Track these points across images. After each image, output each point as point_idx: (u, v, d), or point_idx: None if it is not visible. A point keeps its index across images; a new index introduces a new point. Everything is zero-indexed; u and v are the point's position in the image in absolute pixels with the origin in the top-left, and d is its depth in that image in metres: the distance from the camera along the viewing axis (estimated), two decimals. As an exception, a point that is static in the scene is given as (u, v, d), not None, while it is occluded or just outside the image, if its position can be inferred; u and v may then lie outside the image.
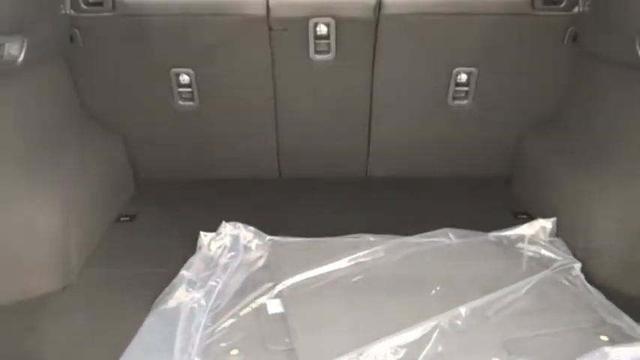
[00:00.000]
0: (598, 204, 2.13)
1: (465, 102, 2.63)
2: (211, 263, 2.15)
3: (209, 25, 2.41)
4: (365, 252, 2.16)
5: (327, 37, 2.45)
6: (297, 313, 1.86)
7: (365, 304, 1.90)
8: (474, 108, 2.64)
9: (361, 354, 1.62)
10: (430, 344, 1.66)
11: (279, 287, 1.99)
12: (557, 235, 2.31)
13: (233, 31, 2.42)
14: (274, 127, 2.70)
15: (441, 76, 2.57)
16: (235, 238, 2.27)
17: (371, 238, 2.30)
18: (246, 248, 2.25)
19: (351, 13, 2.40)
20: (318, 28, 2.44)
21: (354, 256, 2.14)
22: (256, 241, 2.29)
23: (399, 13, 2.39)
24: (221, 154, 2.79)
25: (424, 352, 1.63)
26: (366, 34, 2.44)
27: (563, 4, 2.39)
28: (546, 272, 2.05)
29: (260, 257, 2.21)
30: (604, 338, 1.72)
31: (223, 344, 1.75)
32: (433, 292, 1.95)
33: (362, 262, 2.12)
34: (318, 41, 2.47)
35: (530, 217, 2.51)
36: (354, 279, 2.04)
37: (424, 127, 2.73)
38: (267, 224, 2.37)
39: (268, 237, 2.32)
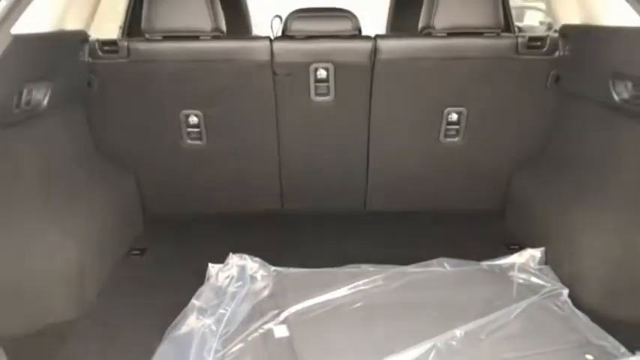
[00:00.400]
0: (582, 234, 2.28)
1: (456, 139, 2.80)
2: (220, 292, 2.28)
3: (217, 70, 2.60)
4: (364, 281, 2.29)
5: (326, 80, 2.64)
6: (303, 336, 1.98)
7: (366, 328, 2.02)
8: (465, 145, 2.81)
9: (363, 373, 1.74)
10: (427, 364, 1.79)
11: (285, 314, 2.11)
12: (545, 264, 2.46)
13: (239, 75, 2.60)
14: (277, 164, 2.86)
15: (433, 115, 2.74)
16: (242, 269, 2.40)
17: (370, 267, 2.43)
18: (252, 278, 2.37)
19: (348, 59, 2.59)
20: (318, 73, 2.63)
21: (354, 284, 2.27)
22: (261, 271, 2.42)
23: (393, 58, 2.58)
24: (227, 190, 2.95)
25: (421, 372, 1.76)
26: (363, 77, 2.63)
27: (545, 49, 2.58)
28: (535, 297, 2.18)
29: (265, 286, 2.33)
30: (589, 357, 1.85)
31: (234, 368, 1.87)
32: (429, 316, 2.07)
33: (362, 290, 2.25)
34: (318, 84, 2.65)
35: (522, 248, 2.65)
36: (355, 305, 2.17)
37: (419, 163, 2.90)
38: (271, 255, 2.50)
39: (273, 268, 2.45)
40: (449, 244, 2.75)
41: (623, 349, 1.90)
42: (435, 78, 2.65)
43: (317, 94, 2.67)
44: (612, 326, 2.04)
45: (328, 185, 2.95)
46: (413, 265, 2.43)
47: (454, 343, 1.89)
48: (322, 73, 2.63)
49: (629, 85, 2.04)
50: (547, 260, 2.47)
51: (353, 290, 2.25)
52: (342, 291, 2.24)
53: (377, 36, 2.58)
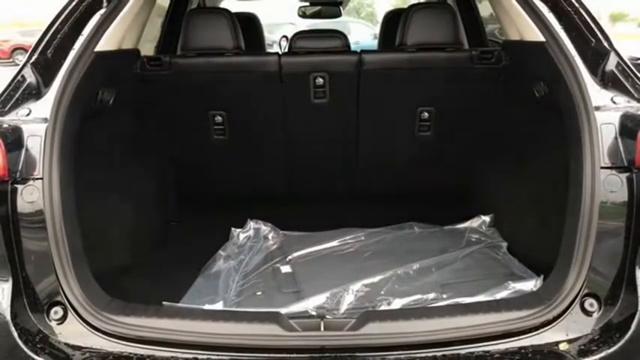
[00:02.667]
0: (516, 204, 2.98)
1: (428, 133, 3.51)
2: (240, 247, 3.01)
3: (237, 79, 3.33)
4: (350, 236, 3.01)
5: (323, 86, 3.37)
6: (303, 271, 2.70)
7: (349, 265, 2.73)
8: (435, 138, 3.51)
9: (344, 289, 2.44)
10: (389, 284, 2.50)
11: (290, 257, 2.83)
12: (493, 226, 3.16)
13: (255, 83, 3.34)
14: (285, 154, 3.59)
15: (408, 113, 3.45)
16: (257, 231, 3.13)
17: (355, 230, 3.15)
18: (265, 238, 3.11)
19: (340, 69, 3.32)
20: (316, 80, 3.36)
21: (343, 239, 3.00)
22: (272, 233, 3.14)
23: (375, 68, 3.30)
24: (245, 175, 3.67)
25: (385, 288, 2.47)
26: (352, 84, 3.35)
27: (493, 60, 3.29)
28: (480, 246, 2.88)
29: (275, 243, 3.06)
30: (510, 281, 2.54)
31: (251, 290, 2.59)
32: (396, 258, 2.77)
33: (348, 243, 2.98)
34: (316, 90, 3.38)
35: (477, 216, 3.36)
36: (343, 252, 2.89)
37: (398, 152, 3.60)
38: (280, 225, 3.22)
39: (281, 231, 3.17)
40: (419, 217, 3.45)
41: (537, 277, 2.58)
42: (409, 84, 3.36)
43: (315, 98, 3.39)
44: (533, 265, 2.72)
45: (325, 171, 3.66)
46: (388, 227, 3.14)
47: (410, 272, 2.60)
48: (320, 81, 3.36)
49: (542, 84, 2.75)
50: (495, 224, 3.17)
51: (342, 243, 2.98)
52: (334, 243, 2.97)
53: (362, 51, 3.31)
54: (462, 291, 2.45)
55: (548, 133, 2.86)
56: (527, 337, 2.07)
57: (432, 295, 2.41)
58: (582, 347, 2.05)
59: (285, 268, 2.76)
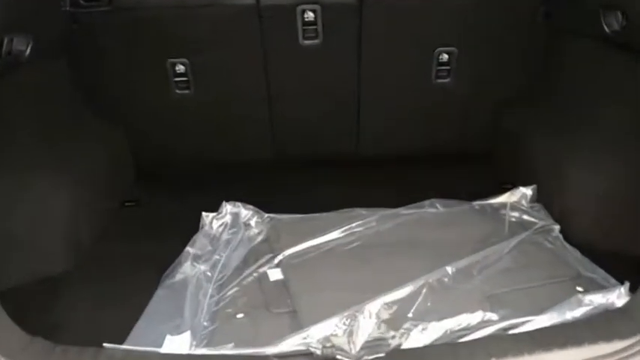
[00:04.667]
0: (571, 170, 2.28)
1: (447, 80, 2.77)
2: (214, 240, 2.29)
3: (202, 17, 2.54)
4: (357, 223, 2.31)
5: (314, 23, 2.59)
6: (297, 278, 2.01)
7: (359, 267, 2.05)
8: (456, 85, 2.78)
9: (358, 311, 1.76)
10: (420, 299, 1.81)
11: (279, 257, 2.13)
12: (537, 201, 2.47)
13: (225, 20, 2.55)
14: (268, 111, 2.83)
15: (423, 56, 2.70)
16: (235, 216, 2.40)
17: (362, 211, 2.44)
18: (246, 225, 2.39)
19: (336, 0, 2.53)
20: (305, 15, 2.57)
21: (347, 227, 2.29)
22: (255, 218, 2.42)
23: (381, -3, 2.53)
24: (218, 139, 2.93)
25: (414, 307, 1.78)
26: (351, 19, 2.58)
27: (537, -19, 2.54)
28: (527, 234, 2.20)
29: (259, 232, 2.35)
30: (579, 289, 1.87)
31: (229, 310, 1.90)
32: (421, 255, 2.09)
33: (355, 232, 2.27)
34: (306, 27, 2.60)
35: (514, 187, 2.67)
36: (348, 247, 2.19)
37: (410, 105, 2.87)
38: (264, 203, 2.50)
39: (266, 215, 2.46)
40: (441, 185, 2.75)
41: (612, 280, 1.93)
42: (425, 18, 2.60)
43: (305, 38, 2.62)
44: (601, 259, 2.06)
45: (319, 130, 2.93)
46: (405, 207, 2.44)
47: (446, 279, 1.91)
48: (310, 16, 2.58)
49: (619, 15, 2.00)
50: (538, 198, 2.48)
51: (346, 232, 2.27)
52: (336, 233, 2.26)
53: None
54: (518, 306, 1.78)
55: (624, 79, 2.15)
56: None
57: (479, 316, 1.74)
58: None
59: (275, 274, 2.06)
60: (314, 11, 2.56)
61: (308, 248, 2.18)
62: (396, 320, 1.74)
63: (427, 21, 2.60)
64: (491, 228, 2.28)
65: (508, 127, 2.83)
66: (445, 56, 2.72)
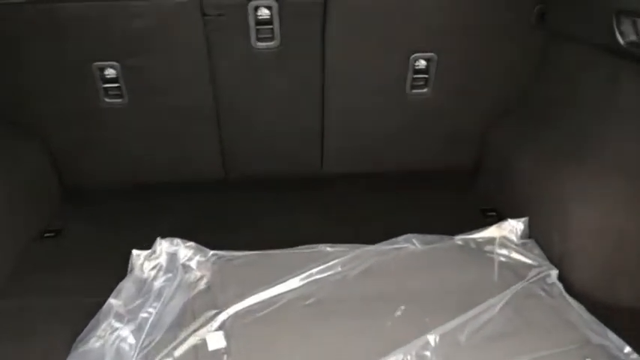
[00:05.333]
0: (575, 203, 1.92)
1: (424, 90, 2.39)
2: (144, 288, 1.87)
3: (133, 11, 2.10)
4: (320, 267, 1.92)
5: (269, 22, 2.18)
6: (243, 348, 1.61)
7: (320, 332, 1.66)
8: (435, 97, 2.40)
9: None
10: (397, 383, 1.44)
11: (223, 316, 1.73)
12: (529, 237, 2.11)
13: (161, 17, 2.12)
14: (216, 123, 2.41)
15: (398, 62, 2.32)
16: (172, 257, 1.98)
17: (327, 247, 2.05)
18: (186, 267, 1.97)
19: None
20: (259, 12, 2.16)
21: (307, 273, 1.89)
22: (198, 257, 2.01)
23: (351, -8, 2.13)
24: (157, 156, 2.49)
25: (391, 395, 1.41)
26: (314, 17, 2.17)
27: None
28: (522, 284, 1.83)
29: (201, 277, 1.94)
30: (591, 361, 1.53)
31: (155, 393, 1.49)
32: (398, 312, 1.72)
33: (316, 280, 1.88)
34: (260, 27, 2.19)
35: (499, 215, 2.32)
36: (308, 301, 1.79)
37: (381, 118, 2.48)
38: (211, 234, 2.11)
39: (212, 252, 2.04)
40: (417, 210, 2.40)
41: (627, 349, 1.58)
42: (400, 16, 2.20)
43: (259, 39, 2.21)
44: (611, 315, 1.72)
45: (277, 147, 2.52)
46: (377, 245, 2.05)
47: (428, 353, 1.54)
48: (264, 13, 2.16)
49: (638, 23, 1.64)
50: (530, 233, 2.12)
51: (306, 280, 1.88)
52: (294, 282, 1.87)
53: None
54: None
55: (632, 99, 1.80)
56: None
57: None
58: None
59: (215, 340, 1.65)
60: (269, 7, 2.14)
61: (258, 304, 1.77)
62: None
63: (403, 20, 2.21)
64: (478, 273, 1.92)
65: (496, 146, 2.47)
66: (422, 63, 2.33)
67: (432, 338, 1.57)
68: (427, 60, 2.32)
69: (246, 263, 2.01)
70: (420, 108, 2.44)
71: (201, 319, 1.72)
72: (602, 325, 1.67)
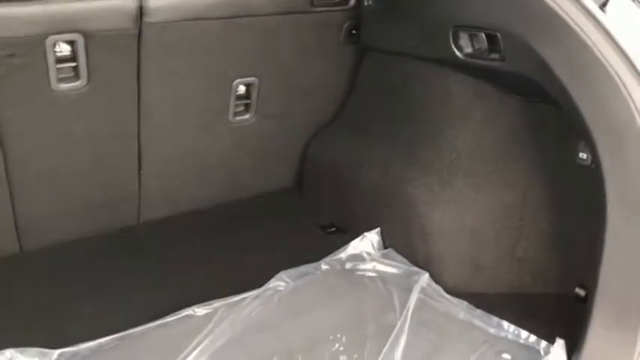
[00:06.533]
0: (429, 207, 2.02)
1: (247, 116, 2.27)
2: None
3: None
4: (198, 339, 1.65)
5: (73, 58, 1.80)
6: None
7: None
8: (257, 121, 2.30)
9: None
10: None
11: None
12: (385, 247, 2.17)
13: None
14: (7, 188, 1.92)
15: (219, 90, 2.15)
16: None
17: (197, 310, 1.79)
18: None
19: (103, 25, 1.79)
20: (57, 48, 1.77)
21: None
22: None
23: (167, 20, 1.88)
24: None
25: None
26: (127, 50, 1.87)
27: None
28: (406, 295, 1.85)
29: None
30: (506, 356, 1.62)
31: None
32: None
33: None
34: (60, 65, 1.79)
35: (339, 229, 2.33)
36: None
37: (204, 151, 2.28)
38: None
39: (58, 351, 1.61)
40: (258, 241, 2.26)
41: (524, 333, 1.72)
42: (221, 44, 2.04)
43: (60, 81, 1.81)
44: (487, 304, 1.86)
45: (85, 203, 2.11)
46: (247, 294, 1.86)
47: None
48: (64, 49, 1.78)
49: (482, 36, 1.77)
50: (385, 242, 2.17)
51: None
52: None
53: None
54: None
55: (464, 104, 1.98)
56: None
57: None
58: None
59: None
60: (72, 43, 1.77)
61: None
62: None
63: (224, 47, 2.05)
64: (359, 298, 1.87)
65: (318, 162, 2.47)
66: (242, 88, 2.21)
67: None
68: (247, 85, 2.20)
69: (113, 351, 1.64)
70: (244, 134, 2.31)
71: None
72: (491, 316, 1.79)
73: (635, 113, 1.40)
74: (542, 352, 1.59)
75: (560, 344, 1.57)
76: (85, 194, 2.10)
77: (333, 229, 2.36)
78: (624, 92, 1.41)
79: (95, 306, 1.84)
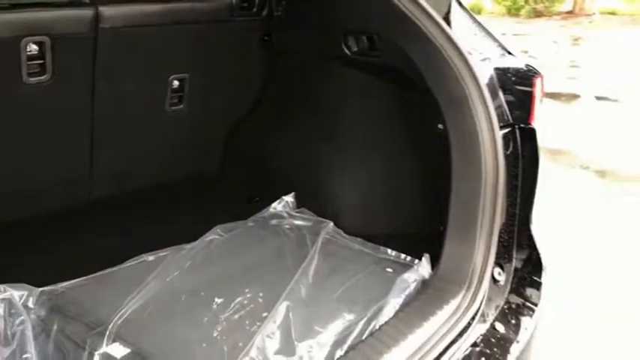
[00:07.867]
0: (334, 172, 2.61)
1: (180, 106, 2.75)
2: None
3: None
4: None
5: (41, 57, 2.22)
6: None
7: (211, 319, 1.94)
8: (188, 111, 2.78)
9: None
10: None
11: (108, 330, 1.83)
12: (298, 207, 2.72)
13: None
14: None
15: (159, 85, 2.62)
16: (8, 303, 1.92)
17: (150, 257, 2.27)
18: (28, 309, 1.94)
19: (66, 30, 2.23)
20: (28, 48, 2.19)
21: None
22: (32, 299, 1.98)
23: (118, 26, 2.34)
24: None
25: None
26: (86, 51, 2.31)
27: (254, 10, 2.73)
28: (317, 238, 2.41)
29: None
30: (389, 270, 2.21)
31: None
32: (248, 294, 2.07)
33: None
34: (30, 62, 2.21)
35: (262, 197, 2.84)
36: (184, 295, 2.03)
37: (147, 136, 2.74)
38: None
39: (40, 289, 2.03)
40: (194, 209, 2.74)
41: (402, 255, 2.32)
42: (161, 46, 2.52)
43: (30, 75, 2.23)
44: (377, 240, 2.45)
45: (43, 180, 2.52)
46: (188, 245, 2.35)
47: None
48: (33, 49, 2.20)
49: (364, 38, 2.38)
50: (298, 204, 2.73)
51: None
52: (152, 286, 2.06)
53: (98, 2, 2.28)
54: (364, 301, 2.00)
55: (359, 91, 2.57)
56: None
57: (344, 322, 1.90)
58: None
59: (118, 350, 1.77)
60: (41, 44, 2.20)
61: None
62: None
63: (163, 48, 2.53)
64: (280, 243, 2.40)
65: (244, 143, 2.99)
66: (176, 83, 2.69)
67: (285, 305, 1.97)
68: (180, 80, 2.69)
69: (82, 292, 2.06)
70: (177, 122, 2.79)
71: (89, 341, 1.79)
72: (379, 246, 2.38)
73: (467, 91, 2.03)
74: (415, 267, 2.17)
75: (426, 258, 2.16)
76: (41, 173, 2.50)
77: (257, 198, 2.88)
78: (459, 77, 2.03)
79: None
